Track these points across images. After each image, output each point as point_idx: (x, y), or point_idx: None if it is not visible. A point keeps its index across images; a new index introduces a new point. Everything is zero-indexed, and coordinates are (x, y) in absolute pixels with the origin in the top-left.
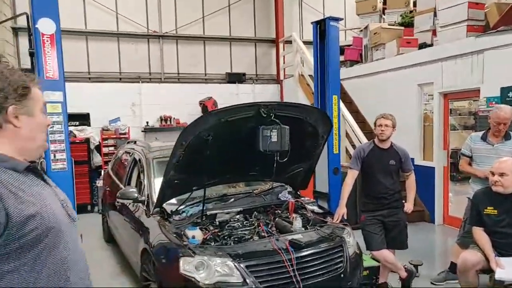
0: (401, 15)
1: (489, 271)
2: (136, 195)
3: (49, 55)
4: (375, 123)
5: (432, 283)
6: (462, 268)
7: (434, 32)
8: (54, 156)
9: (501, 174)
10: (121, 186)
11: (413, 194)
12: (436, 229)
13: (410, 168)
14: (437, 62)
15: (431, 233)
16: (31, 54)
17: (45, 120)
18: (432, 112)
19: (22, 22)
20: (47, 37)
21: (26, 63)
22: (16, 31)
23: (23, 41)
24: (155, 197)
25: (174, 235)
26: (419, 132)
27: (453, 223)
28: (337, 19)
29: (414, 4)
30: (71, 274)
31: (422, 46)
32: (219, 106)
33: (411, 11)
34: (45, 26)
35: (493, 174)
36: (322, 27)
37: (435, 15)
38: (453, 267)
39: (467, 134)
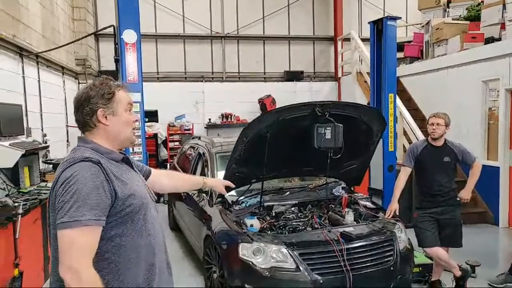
0: (467, 9)
1: None
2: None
3: (130, 61)
4: (427, 121)
5: (490, 284)
6: None
7: (503, 26)
8: (133, 150)
9: None
10: None
11: (473, 181)
12: (500, 232)
13: (472, 160)
14: (505, 57)
15: (494, 235)
16: (116, 61)
17: (130, 117)
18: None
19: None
20: (129, 46)
21: (105, 65)
22: (97, 36)
23: (103, 46)
24: None
25: (234, 223)
26: (482, 130)
27: None
28: (394, 18)
29: None
30: (157, 240)
31: (489, 40)
32: (277, 104)
33: (478, 4)
34: (129, 36)
35: None
36: (379, 27)
37: (504, 7)
38: None
39: None
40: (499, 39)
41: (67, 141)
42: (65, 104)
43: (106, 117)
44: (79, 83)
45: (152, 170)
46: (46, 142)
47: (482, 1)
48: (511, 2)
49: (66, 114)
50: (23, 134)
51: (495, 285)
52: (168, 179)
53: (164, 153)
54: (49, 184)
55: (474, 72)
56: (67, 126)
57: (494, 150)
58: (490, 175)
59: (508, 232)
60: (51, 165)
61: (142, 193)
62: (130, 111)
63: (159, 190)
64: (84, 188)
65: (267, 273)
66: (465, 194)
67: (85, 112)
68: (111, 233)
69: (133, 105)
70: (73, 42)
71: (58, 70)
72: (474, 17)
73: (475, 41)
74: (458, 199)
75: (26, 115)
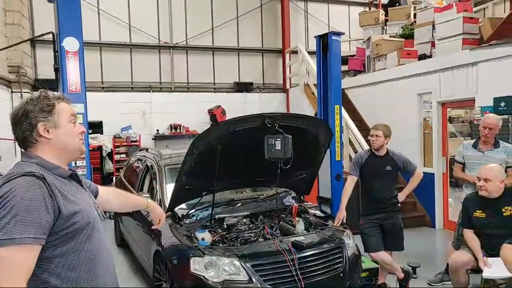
0: (402, 27)
1: (479, 270)
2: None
3: (72, 70)
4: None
5: (429, 284)
6: (453, 268)
7: (433, 44)
8: (75, 163)
9: (486, 180)
10: (134, 192)
11: (410, 188)
12: (436, 233)
13: (413, 169)
14: (435, 72)
15: (431, 237)
16: (56, 70)
17: (74, 128)
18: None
19: (39, 33)
20: (71, 54)
21: (43, 73)
22: (33, 42)
23: (40, 52)
24: (167, 202)
25: (185, 237)
26: (419, 140)
27: (452, 227)
28: (339, 34)
29: (415, 16)
30: (102, 261)
31: (422, 57)
32: (228, 114)
33: (411, 24)
34: (70, 44)
35: (479, 179)
36: (324, 41)
37: (433, 27)
38: (448, 268)
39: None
40: (430, 56)
41: None
42: None
43: (48, 130)
44: (12, 92)
45: (99, 188)
46: None
47: (415, 21)
48: (440, 23)
49: None
50: None
51: (434, 284)
52: (114, 197)
53: (109, 166)
54: None
55: (410, 85)
56: None
57: (429, 157)
58: (426, 181)
59: (444, 234)
60: None
61: (89, 212)
62: (75, 123)
63: (106, 209)
64: (23, 203)
65: (220, 287)
66: (400, 196)
67: (24, 128)
68: (52, 253)
69: (77, 116)
70: (5, 48)
71: None
72: (408, 35)
73: (410, 57)
74: (399, 205)
75: None
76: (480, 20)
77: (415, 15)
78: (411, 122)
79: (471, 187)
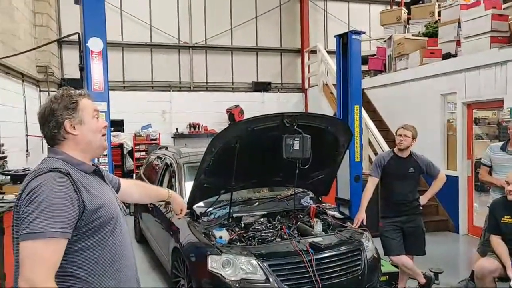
0: (425, 26)
1: (507, 279)
2: None
3: (96, 70)
4: (396, 132)
5: None
6: (479, 275)
7: (458, 43)
8: (98, 160)
9: None
10: None
11: (433, 191)
12: (460, 239)
13: (436, 172)
14: (460, 72)
15: (455, 242)
16: (81, 69)
17: (98, 123)
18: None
19: (66, 34)
20: (95, 54)
21: (68, 73)
22: (60, 43)
23: (66, 53)
24: (185, 199)
25: (203, 235)
26: (442, 142)
27: (477, 233)
28: (359, 33)
29: (439, 14)
30: (125, 254)
31: (446, 56)
32: (245, 114)
33: (435, 22)
34: (95, 44)
35: (508, 183)
36: (344, 40)
37: (459, 25)
38: (473, 275)
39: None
40: (455, 55)
41: (27, 151)
42: (25, 112)
43: (74, 127)
44: (40, 90)
45: (121, 181)
46: (3, 153)
47: (439, 19)
48: (466, 21)
49: (26, 123)
50: None
51: None
52: (136, 190)
53: (130, 163)
54: (6, 197)
55: (434, 85)
56: (26, 135)
57: (453, 160)
58: (450, 184)
59: (468, 239)
60: (8, 177)
61: (112, 206)
62: (98, 118)
63: (128, 201)
64: (51, 199)
65: (237, 285)
66: (422, 199)
67: (52, 126)
68: (77, 247)
69: (99, 111)
70: (34, 49)
71: (18, 77)
72: (432, 34)
73: (434, 57)
74: (421, 208)
75: None
76: (510, 17)
77: (439, 13)
78: (434, 123)
79: (499, 191)
